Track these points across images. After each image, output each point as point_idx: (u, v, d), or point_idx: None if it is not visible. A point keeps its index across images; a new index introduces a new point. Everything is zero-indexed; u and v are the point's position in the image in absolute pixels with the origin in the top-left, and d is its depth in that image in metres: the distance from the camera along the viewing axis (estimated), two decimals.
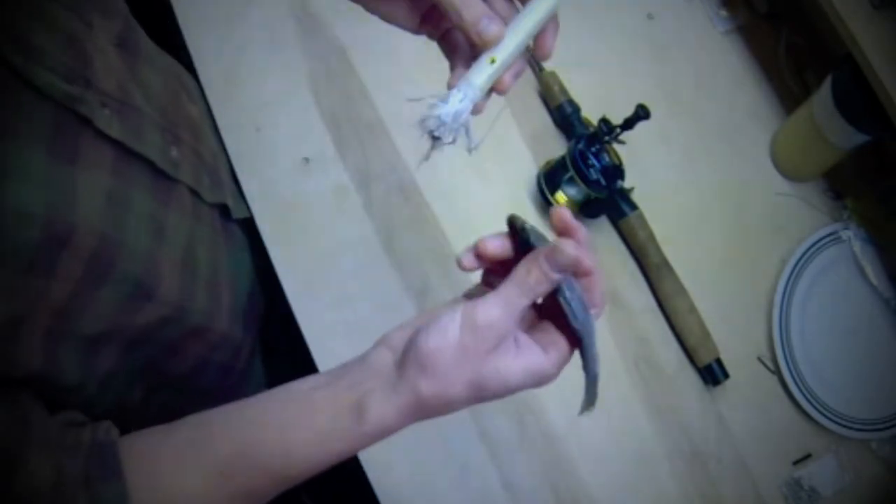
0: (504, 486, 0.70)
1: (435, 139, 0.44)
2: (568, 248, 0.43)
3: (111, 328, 0.51)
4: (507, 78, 0.45)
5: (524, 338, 0.45)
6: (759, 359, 0.76)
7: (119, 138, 0.48)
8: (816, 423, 0.73)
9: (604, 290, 0.47)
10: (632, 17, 0.86)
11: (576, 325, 0.44)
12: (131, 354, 0.56)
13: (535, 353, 0.44)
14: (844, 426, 0.72)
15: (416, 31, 0.49)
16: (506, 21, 0.44)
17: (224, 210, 0.69)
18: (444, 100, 0.43)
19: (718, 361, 0.73)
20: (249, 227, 0.75)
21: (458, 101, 0.43)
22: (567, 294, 0.44)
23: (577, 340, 0.46)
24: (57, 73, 0.43)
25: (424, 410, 0.43)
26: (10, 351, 0.42)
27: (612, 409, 0.73)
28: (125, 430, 0.47)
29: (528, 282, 0.43)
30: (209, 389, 0.70)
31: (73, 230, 0.43)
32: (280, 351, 0.85)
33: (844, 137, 0.72)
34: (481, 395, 0.43)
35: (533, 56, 0.47)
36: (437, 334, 0.42)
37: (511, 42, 0.43)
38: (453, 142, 0.44)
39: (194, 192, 0.61)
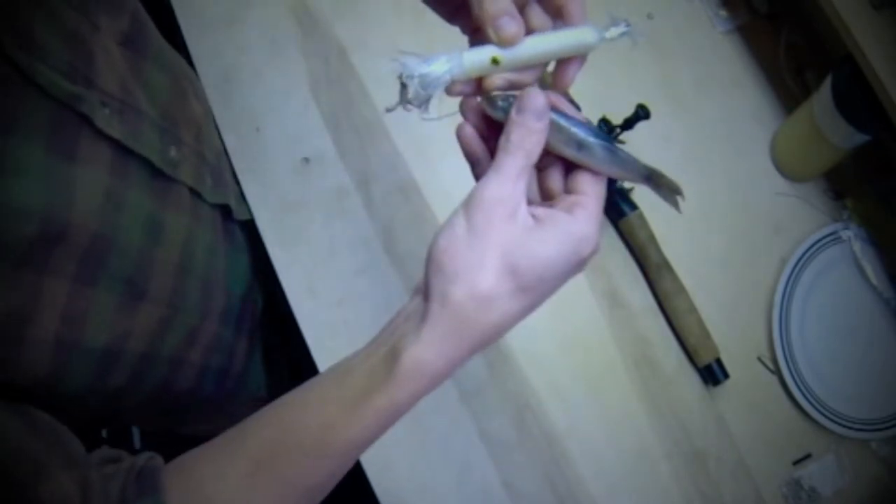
0: (504, 486, 0.70)
1: (403, 93, 0.41)
2: (533, 91, 0.41)
3: (116, 338, 0.51)
4: (498, 80, 0.42)
5: (541, 210, 0.41)
6: (759, 359, 0.76)
7: (118, 137, 0.48)
8: (816, 423, 0.73)
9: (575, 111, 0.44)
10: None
11: (586, 144, 0.41)
12: (140, 375, 0.56)
13: (559, 217, 0.40)
14: (844, 426, 0.72)
15: (450, 21, 0.47)
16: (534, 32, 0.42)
17: (226, 211, 0.69)
18: (428, 60, 0.40)
19: (718, 361, 0.73)
20: (250, 229, 0.75)
21: (440, 67, 0.40)
22: (562, 122, 0.41)
23: (604, 167, 0.42)
24: (59, 71, 0.43)
25: (466, 326, 0.38)
26: (15, 354, 0.42)
27: (611, 409, 0.73)
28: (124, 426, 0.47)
29: (512, 141, 0.40)
30: (206, 397, 0.70)
31: (68, 227, 0.43)
32: (280, 351, 0.85)
33: (844, 137, 0.72)
34: (521, 280, 0.38)
35: (551, 83, 0.45)
36: (445, 232, 0.39)
37: (524, 52, 0.41)
38: (420, 106, 0.41)
39: (195, 192, 0.61)
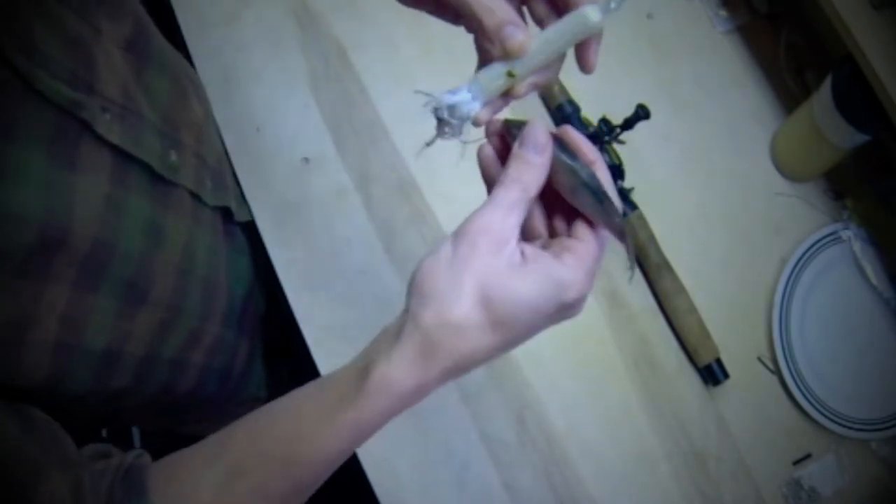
0: (504, 486, 0.70)
1: (440, 126, 0.42)
2: (536, 124, 0.40)
3: (117, 341, 0.51)
4: (523, 89, 0.42)
5: (531, 249, 0.40)
6: (759, 359, 0.76)
7: (118, 143, 0.48)
8: (816, 423, 0.73)
9: (590, 149, 0.43)
10: (632, 17, 0.86)
11: (582, 179, 0.40)
12: (142, 376, 0.56)
13: (545, 260, 0.39)
14: (844, 426, 0.72)
15: (455, 23, 0.47)
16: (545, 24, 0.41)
17: (226, 213, 0.69)
18: (453, 92, 0.41)
19: (718, 361, 0.73)
20: (251, 230, 0.75)
21: (465, 95, 0.41)
22: (563, 159, 0.40)
23: (592, 206, 0.41)
24: (60, 78, 0.43)
25: (436, 350, 0.38)
26: (15, 358, 0.42)
27: (611, 409, 0.73)
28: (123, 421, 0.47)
29: (509, 173, 0.39)
30: (207, 397, 0.70)
31: (68, 234, 0.43)
32: (280, 352, 0.85)
33: (844, 137, 0.72)
34: (495, 316, 0.37)
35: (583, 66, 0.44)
36: (429, 258, 0.39)
37: (535, 56, 0.40)
38: (456, 135, 0.42)
39: (195, 196, 0.61)
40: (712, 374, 0.73)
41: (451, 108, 0.41)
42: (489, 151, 0.43)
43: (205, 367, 0.66)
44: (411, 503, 0.69)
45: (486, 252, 0.38)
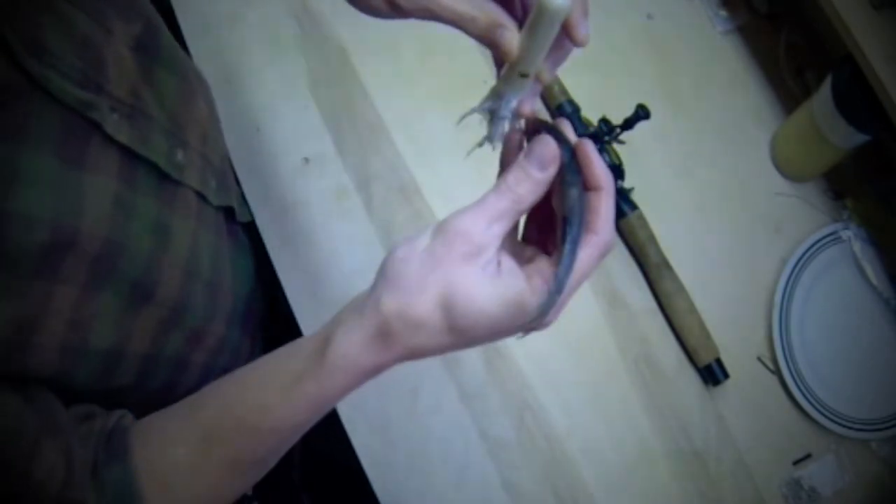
0: (504, 486, 0.70)
1: (492, 129, 0.41)
2: (547, 140, 0.38)
3: (120, 340, 0.51)
4: (547, 76, 0.41)
5: (510, 263, 0.39)
6: (759, 359, 0.76)
7: (126, 143, 0.48)
8: (816, 423, 0.73)
9: (601, 175, 0.40)
10: (632, 17, 0.86)
11: (567, 198, 0.38)
12: (145, 375, 0.56)
13: (516, 280, 0.38)
14: (844, 426, 0.72)
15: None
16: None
17: (229, 213, 0.69)
18: (490, 102, 0.41)
19: (718, 361, 0.73)
20: (254, 230, 0.76)
21: (501, 102, 0.41)
22: (565, 177, 0.38)
23: (563, 227, 0.39)
24: (70, 78, 0.43)
25: (391, 338, 0.38)
26: (20, 358, 0.42)
27: (611, 409, 0.73)
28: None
29: (507, 180, 0.38)
30: None
31: (78, 234, 0.43)
32: None
33: (844, 137, 0.72)
34: (453, 320, 0.38)
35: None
36: (406, 244, 0.39)
37: (533, 48, 0.38)
38: (498, 140, 0.42)
39: (200, 195, 0.61)
40: (712, 374, 0.73)
41: (496, 113, 0.41)
42: (517, 138, 0.42)
43: (207, 366, 0.66)
44: (411, 502, 0.69)
45: (460, 257, 0.37)
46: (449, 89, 0.81)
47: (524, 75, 0.39)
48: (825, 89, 0.71)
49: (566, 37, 0.39)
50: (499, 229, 0.38)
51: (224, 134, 0.77)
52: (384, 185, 0.78)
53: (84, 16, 0.45)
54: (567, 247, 0.38)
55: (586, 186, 0.40)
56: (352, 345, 0.39)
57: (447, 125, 0.80)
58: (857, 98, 0.68)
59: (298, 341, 0.43)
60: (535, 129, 0.41)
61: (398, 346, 0.39)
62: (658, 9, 0.86)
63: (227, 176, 0.71)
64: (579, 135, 0.74)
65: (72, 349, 0.46)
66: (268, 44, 0.82)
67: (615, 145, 0.74)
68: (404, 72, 0.82)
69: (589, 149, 0.40)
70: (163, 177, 0.54)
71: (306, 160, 0.78)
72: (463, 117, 0.42)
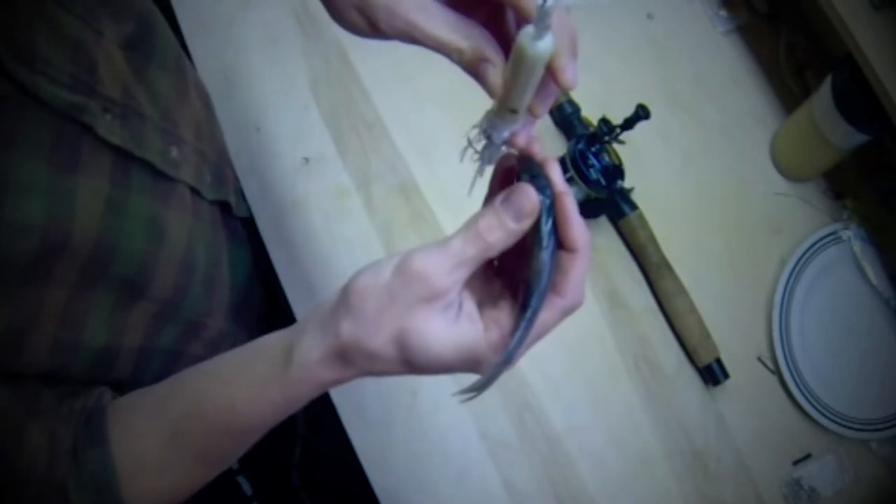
0: (504, 486, 0.70)
1: (485, 151, 0.41)
2: (526, 189, 0.37)
3: (115, 335, 0.51)
4: (540, 109, 0.40)
5: (470, 308, 0.39)
6: (759, 359, 0.76)
7: (119, 144, 0.48)
8: (816, 423, 0.73)
9: (579, 235, 0.39)
10: (632, 17, 0.86)
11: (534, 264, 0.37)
12: (140, 368, 0.56)
13: (472, 327, 0.38)
14: (844, 426, 0.72)
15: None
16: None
17: (225, 207, 0.69)
18: (486, 127, 0.40)
19: (718, 361, 0.73)
20: (251, 224, 0.76)
21: (499, 136, 0.40)
22: (541, 232, 0.37)
23: (525, 292, 0.37)
24: (61, 83, 0.42)
25: (349, 361, 0.39)
26: (11, 358, 0.42)
27: (611, 409, 0.73)
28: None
29: (476, 227, 0.37)
30: None
31: (69, 238, 0.43)
32: None
33: (844, 137, 0.72)
34: (407, 357, 0.38)
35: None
36: (369, 273, 0.38)
37: (520, 85, 0.36)
38: (490, 163, 0.42)
39: (194, 191, 0.61)
40: (712, 374, 0.73)
41: (489, 136, 0.40)
42: (508, 163, 0.42)
43: (204, 358, 0.66)
44: (411, 503, 0.69)
45: (419, 298, 0.37)
46: (449, 89, 0.81)
47: (513, 111, 0.38)
48: (825, 89, 0.71)
49: (551, 80, 0.38)
50: (461, 275, 0.37)
51: (224, 134, 0.77)
52: (384, 184, 0.78)
53: (74, 18, 0.45)
54: (523, 322, 0.37)
55: (561, 245, 0.38)
56: (313, 360, 0.39)
57: (447, 125, 0.80)
58: (857, 98, 0.68)
59: (266, 338, 0.43)
60: (522, 166, 0.40)
61: (356, 367, 0.39)
62: (658, 9, 0.86)
63: (224, 169, 0.71)
64: (579, 135, 0.74)
65: (64, 347, 0.46)
66: (268, 44, 0.82)
67: (615, 145, 0.74)
68: (404, 72, 0.82)
69: (569, 205, 0.38)
70: (157, 174, 0.54)
71: (306, 160, 0.78)
72: (464, 151, 0.41)
